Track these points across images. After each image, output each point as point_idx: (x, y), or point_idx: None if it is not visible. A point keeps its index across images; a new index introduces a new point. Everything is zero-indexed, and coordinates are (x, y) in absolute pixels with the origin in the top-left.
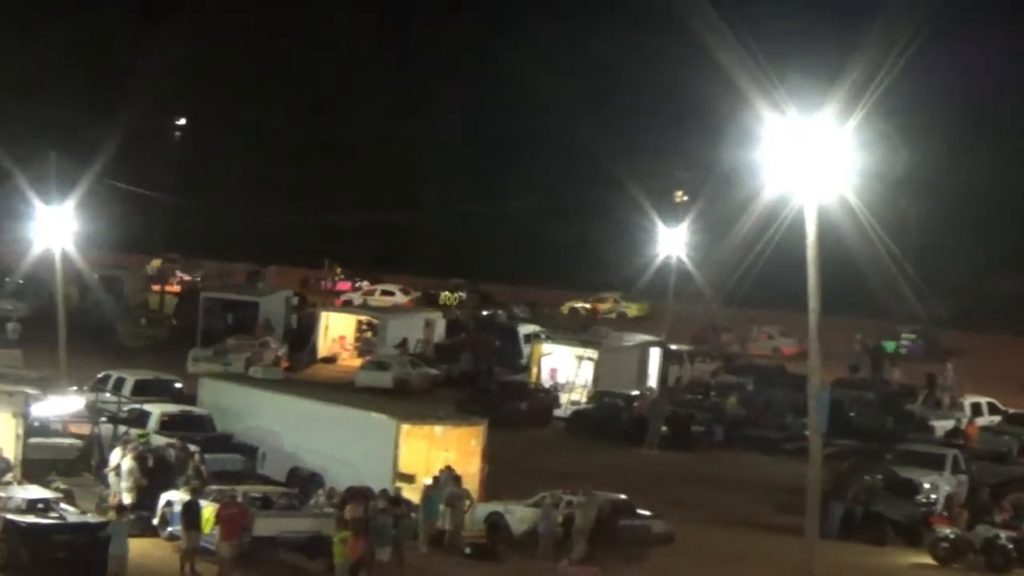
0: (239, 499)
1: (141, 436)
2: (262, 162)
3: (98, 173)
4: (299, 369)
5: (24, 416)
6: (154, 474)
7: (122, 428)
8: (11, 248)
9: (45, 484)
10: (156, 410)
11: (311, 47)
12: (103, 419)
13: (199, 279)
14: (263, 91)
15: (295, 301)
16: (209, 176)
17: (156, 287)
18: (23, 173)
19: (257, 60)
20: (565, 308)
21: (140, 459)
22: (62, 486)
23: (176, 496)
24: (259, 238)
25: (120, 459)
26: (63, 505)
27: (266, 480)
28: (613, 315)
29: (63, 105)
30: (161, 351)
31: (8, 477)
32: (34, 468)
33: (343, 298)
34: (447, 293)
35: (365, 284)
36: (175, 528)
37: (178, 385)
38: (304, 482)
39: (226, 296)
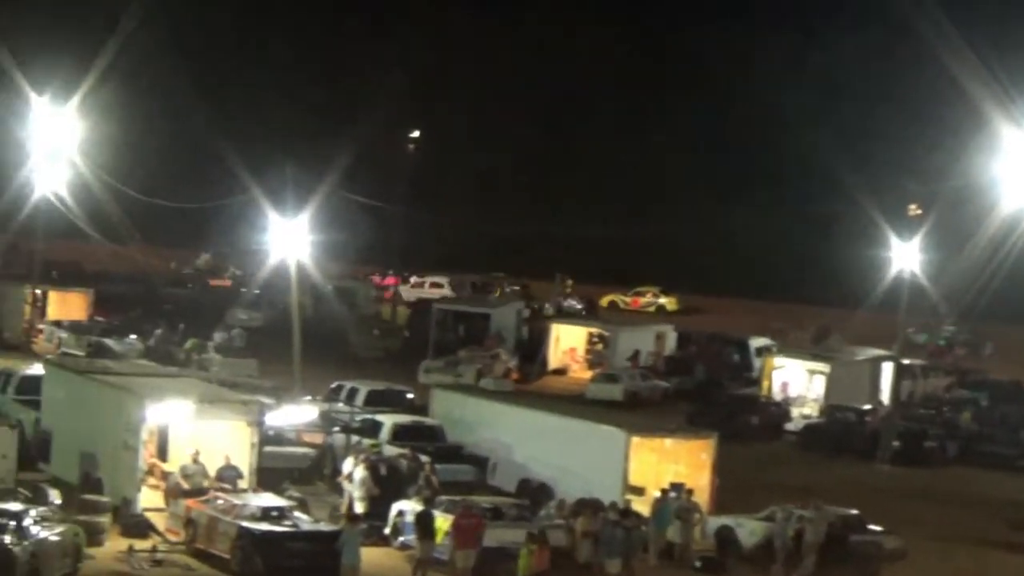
0: (473, 510)
1: (373, 446)
2: (494, 173)
3: (333, 185)
4: (529, 381)
5: (259, 425)
6: (386, 484)
7: (355, 438)
8: (247, 259)
9: (279, 492)
10: (388, 420)
11: (545, 57)
12: (336, 429)
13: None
14: (496, 102)
15: (526, 313)
16: (442, 187)
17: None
18: (260, 185)
19: (490, 71)
20: (605, 301)
21: (372, 469)
22: (296, 494)
23: (408, 506)
24: (491, 249)
25: (353, 468)
26: (297, 513)
27: (496, 491)
28: (652, 308)
29: (299, 118)
30: (393, 362)
31: (241, 484)
32: (268, 477)
33: (390, 292)
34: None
35: (413, 278)
36: (407, 538)
37: (410, 396)
38: (534, 493)
39: (458, 308)
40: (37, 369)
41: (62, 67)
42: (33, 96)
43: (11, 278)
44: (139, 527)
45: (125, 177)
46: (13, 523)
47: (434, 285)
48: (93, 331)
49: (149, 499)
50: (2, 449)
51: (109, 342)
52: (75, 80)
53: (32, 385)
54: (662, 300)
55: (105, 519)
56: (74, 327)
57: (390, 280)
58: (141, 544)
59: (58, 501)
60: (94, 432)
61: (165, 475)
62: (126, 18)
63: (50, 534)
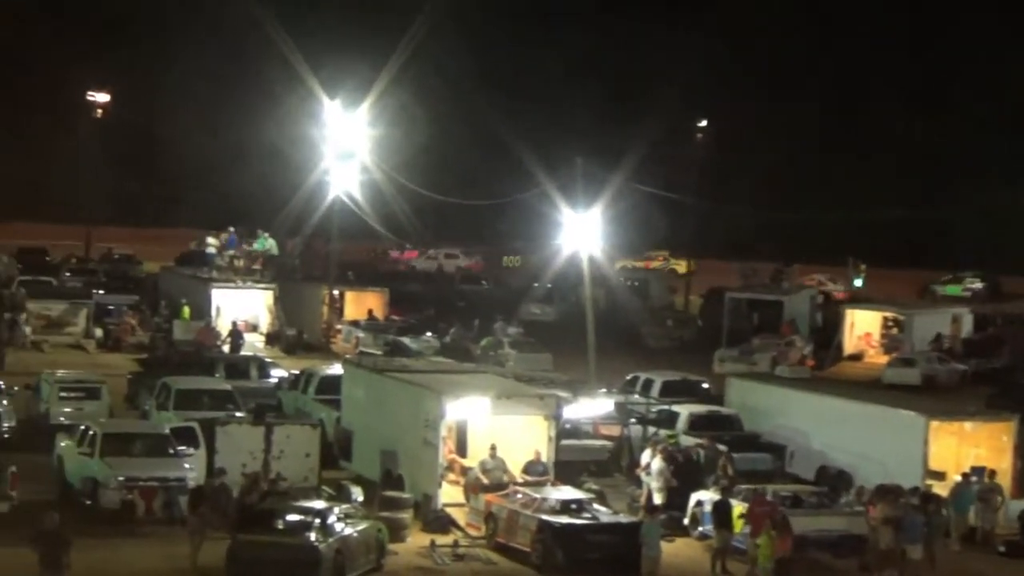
0: (768, 497)
1: (670, 437)
2: (783, 160)
3: (624, 177)
4: (825, 367)
5: (556, 418)
6: (684, 474)
7: (651, 429)
8: (539, 253)
9: (578, 485)
10: (684, 410)
11: (828, 43)
12: (633, 420)
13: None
14: (783, 89)
15: (820, 299)
16: (731, 176)
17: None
18: (551, 179)
19: (776, 58)
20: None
21: (670, 459)
22: (594, 487)
23: (706, 496)
24: (782, 236)
25: (650, 459)
26: (596, 505)
27: (795, 479)
28: (664, 271)
29: (589, 111)
30: (687, 352)
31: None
32: (566, 469)
33: (408, 264)
34: (508, 257)
35: (431, 251)
36: (706, 528)
37: (705, 385)
38: (833, 480)
39: (751, 296)
40: (336, 369)
41: (354, 70)
42: (326, 99)
43: (309, 279)
44: (440, 523)
45: (416, 177)
46: (318, 520)
47: (448, 255)
48: (390, 330)
49: (449, 495)
50: (305, 448)
51: (406, 340)
52: (367, 82)
53: (332, 384)
54: (672, 264)
55: (407, 515)
56: (371, 326)
57: (410, 254)
58: (442, 539)
59: (361, 498)
60: (394, 430)
61: (464, 471)
62: (417, 20)
63: (354, 531)
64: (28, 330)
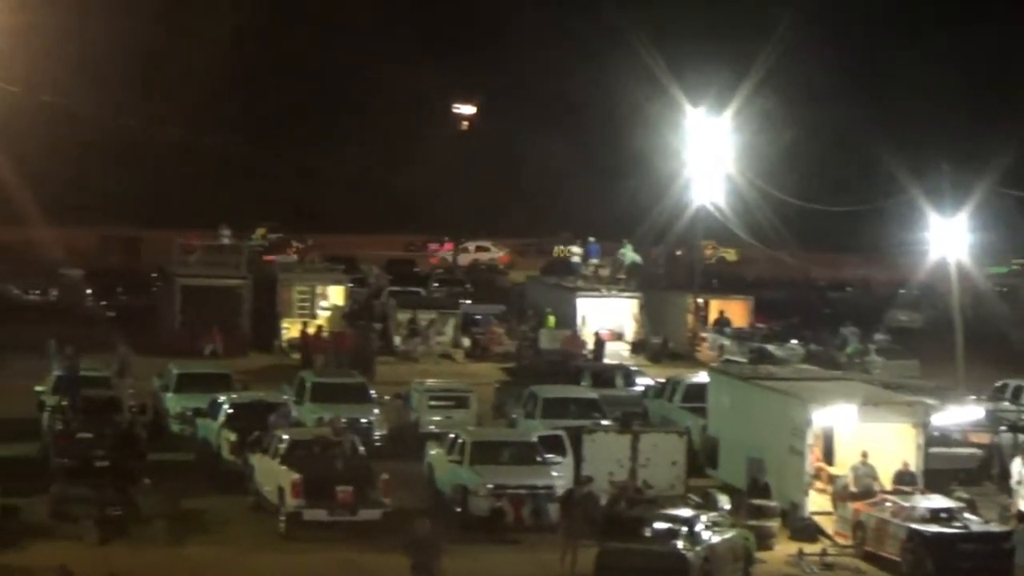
0: None
1: None
2: None
3: (992, 182)
4: None
5: (924, 426)
6: None
7: (1022, 437)
8: (907, 259)
9: (947, 493)
10: None
11: None
12: (1003, 428)
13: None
14: None
15: None
16: None
17: None
18: (918, 184)
19: None
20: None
21: None
22: (964, 496)
23: None
24: None
25: (1021, 467)
26: (966, 515)
27: None
28: (712, 260)
29: (957, 115)
30: None
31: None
32: (935, 478)
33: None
34: (559, 247)
35: (470, 244)
36: None
37: None
38: None
39: None
40: (702, 377)
41: (717, 77)
42: (688, 107)
43: (673, 288)
44: (808, 531)
45: (779, 183)
46: (685, 528)
47: (480, 249)
48: (755, 338)
49: (817, 503)
50: (672, 456)
51: (771, 348)
52: (730, 89)
53: (698, 392)
54: (722, 252)
55: (774, 523)
56: (737, 334)
57: (448, 246)
58: (810, 548)
59: (728, 506)
60: (760, 437)
61: (831, 478)
62: (780, 25)
63: (721, 539)
64: (398, 340)
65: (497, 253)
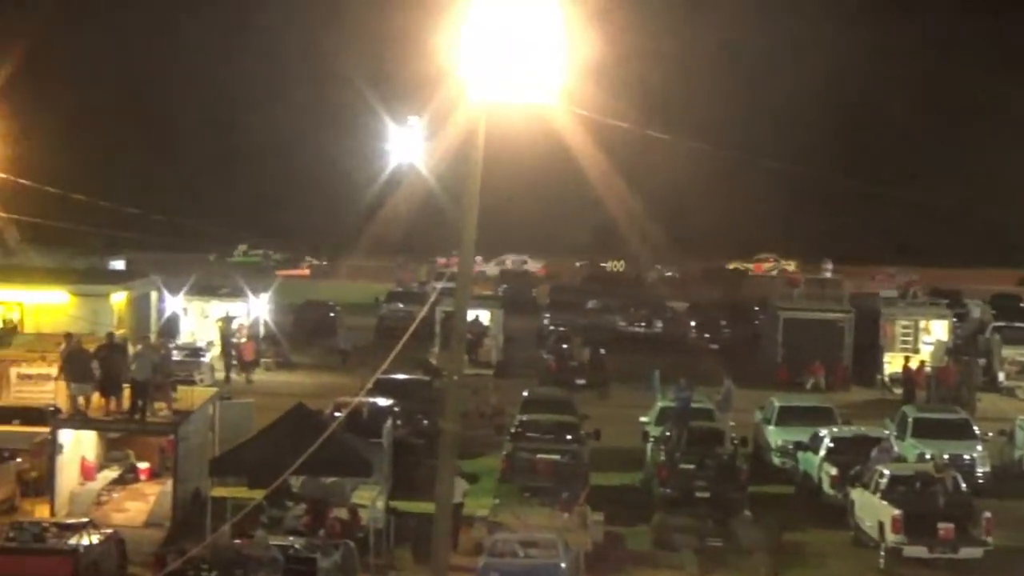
0: None
1: None
2: None
3: None
4: None
5: None
6: None
7: None
8: None
9: None
10: None
11: None
12: None
13: None
14: None
15: None
16: None
17: None
18: None
19: None
20: (732, 266)
21: None
22: None
23: None
24: None
25: None
26: None
27: None
28: (774, 272)
29: None
30: None
31: None
32: None
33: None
34: (613, 261)
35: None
36: None
37: None
38: None
39: None
40: None
41: None
42: None
43: None
44: None
45: None
46: None
47: (515, 262)
48: None
49: None
50: None
51: None
52: None
53: None
54: (783, 264)
55: None
56: None
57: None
58: None
59: None
60: None
61: None
62: None
63: None
64: (1002, 375)
65: (536, 265)
